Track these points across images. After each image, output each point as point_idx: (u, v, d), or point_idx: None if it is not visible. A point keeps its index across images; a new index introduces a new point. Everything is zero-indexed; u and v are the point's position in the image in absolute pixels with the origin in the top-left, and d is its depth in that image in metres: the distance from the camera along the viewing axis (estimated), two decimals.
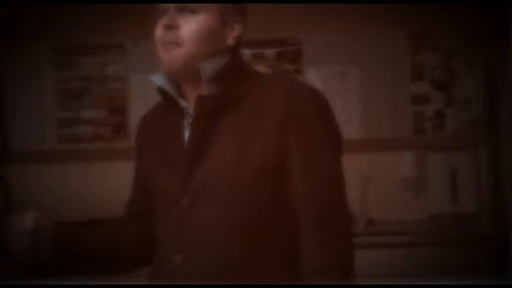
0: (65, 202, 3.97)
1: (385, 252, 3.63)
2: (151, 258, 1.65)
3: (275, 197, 1.52)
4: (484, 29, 3.92)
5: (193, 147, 1.54)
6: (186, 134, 1.57)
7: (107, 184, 4.06)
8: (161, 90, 1.61)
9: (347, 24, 4.14)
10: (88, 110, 4.28)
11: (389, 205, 4.05)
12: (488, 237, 3.75)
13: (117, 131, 4.27)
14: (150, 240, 1.66)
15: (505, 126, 3.86)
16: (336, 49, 4.19)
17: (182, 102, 1.60)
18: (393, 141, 4.17)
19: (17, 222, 1.51)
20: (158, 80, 1.60)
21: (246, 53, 4.03)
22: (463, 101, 4.16)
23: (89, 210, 3.88)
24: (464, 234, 3.78)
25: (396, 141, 4.17)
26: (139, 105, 4.14)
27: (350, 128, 4.06)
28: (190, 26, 1.53)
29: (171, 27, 1.53)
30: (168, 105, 1.62)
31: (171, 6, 1.54)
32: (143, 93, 4.13)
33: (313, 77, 4.15)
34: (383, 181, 4.06)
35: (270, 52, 4.23)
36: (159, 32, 1.55)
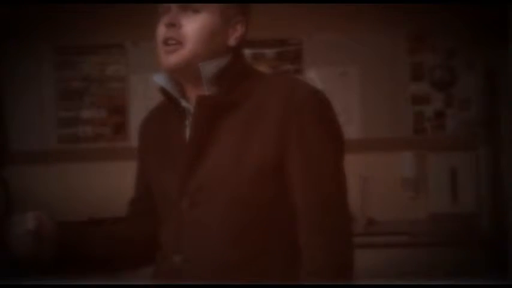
0: (65, 202, 3.97)
1: (385, 252, 3.62)
2: (152, 257, 1.65)
3: (275, 198, 1.52)
4: (484, 29, 3.92)
5: (194, 147, 1.54)
6: (187, 135, 1.57)
7: (107, 184, 4.07)
8: (163, 90, 1.61)
9: (347, 24, 4.14)
10: (88, 110, 4.28)
11: (389, 205, 4.05)
12: (488, 237, 3.75)
13: (117, 131, 4.27)
14: (152, 239, 1.66)
15: (505, 126, 3.86)
16: (336, 49, 4.19)
17: (183, 103, 1.59)
18: (393, 141, 4.17)
19: (18, 224, 1.51)
20: (160, 79, 1.60)
21: (246, 53, 4.03)
22: (463, 101, 4.16)
23: (89, 210, 3.89)
24: (464, 234, 3.78)
25: (396, 141, 4.17)
26: (139, 105, 4.15)
27: (350, 128, 4.06)
28: (193, 24, 1.53)
29: (173, 25, 1.53)
30: (169, 105, 1.62)
31: (174, 5, 1.54)
32: (143, 93, 4.15)
33: (313, 77, 4.14)
34: (383, 181, 4.06)
35: (270, 52, 4.23)
36: (160, 30, 1.55)
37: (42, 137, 4.27)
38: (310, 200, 1.50)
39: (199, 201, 1.53)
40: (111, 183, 3.98)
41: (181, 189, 1.54)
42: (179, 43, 1.52)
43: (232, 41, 1.58)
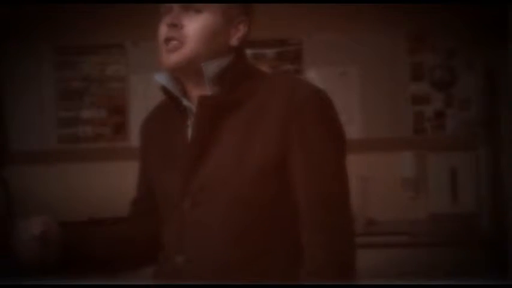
0: (65, 202, 3.97)
1: (385, 252, 3.62)
2: (154, 257, 1.65)
3: (277, 197, 1.52)
4: (484, 29, 3.92)
5: (196, 147, 1.54)
6: (189, 134, 1.57)
7: (107, 184, 4.07)
8: (164, 89, 1.61)
9: (347, 24, 4.14)
10: (88, 110, 4.28)
11: (389, 205, 4.05)
12: (488, 237, 3.74)
13: (117, 131, 4.27)
14: (154, 239, 1.66)
15: (505, 126, 3.86)
16: (336, 49, 4.19)
17: (185, 101, 1.59)
18: (393, 141, 4.17)
19: (23, 229, 1.51)
20: (161, 78, 1.60)
21: (246, 53, 4.02)
22: (463, 101, 4.16)
23: (89, 210, 3.89)
24: (464, 234, 3.77)
25: (396, 141, 4.17)
26: (140, 105, 4.15)
27: (350, 128, 4.05)
28: (195, 24, 1.53)
29: (174, 25, 1.53)
30: (170, 104, 1.62)
31: (176, 5, 1.53)
32: (143, 93, 4.15)
33: (313, 77, 4.14)
34: (383, 181, 4.06)
35: (270, 52, 4.23)
36: (162, 30, 1.55)
37: (42, 137, 4.27)
38: (311, 198, 1.50)
39: (201, 202, 1.53)
40: (111, 183, 3.98)
41: (183, 189, 1.54)
42: (181, 43, 1.52)
43: (234, 41, 1.57)
